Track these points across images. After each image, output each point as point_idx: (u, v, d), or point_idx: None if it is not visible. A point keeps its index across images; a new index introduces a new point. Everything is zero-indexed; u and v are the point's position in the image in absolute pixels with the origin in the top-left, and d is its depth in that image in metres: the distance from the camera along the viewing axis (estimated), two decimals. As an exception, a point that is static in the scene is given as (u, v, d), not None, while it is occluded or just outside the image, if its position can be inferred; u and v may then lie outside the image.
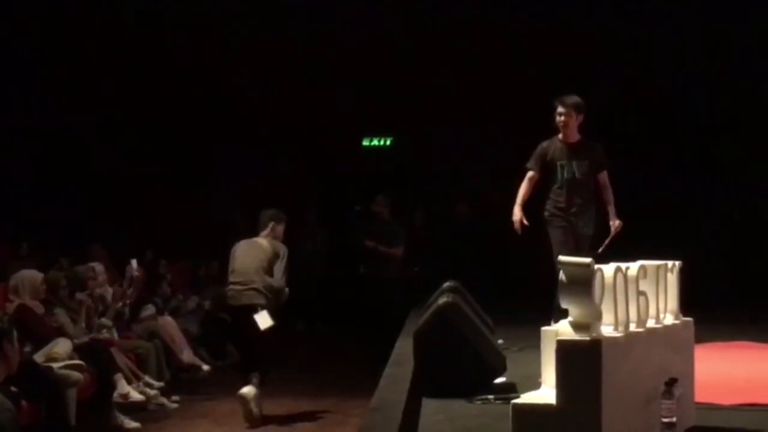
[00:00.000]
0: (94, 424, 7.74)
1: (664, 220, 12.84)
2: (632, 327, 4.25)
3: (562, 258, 4.10)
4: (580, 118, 7.63)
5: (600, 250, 7.40)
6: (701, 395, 4.96)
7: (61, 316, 8.25)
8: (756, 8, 13.25)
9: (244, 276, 8.46)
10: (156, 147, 14.96)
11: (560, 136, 7.69)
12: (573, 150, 7.63)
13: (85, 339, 8.36)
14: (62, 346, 7.76)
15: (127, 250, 10.96)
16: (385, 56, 14.65)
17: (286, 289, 8.66)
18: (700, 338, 6.88)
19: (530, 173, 7.75)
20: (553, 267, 4.25)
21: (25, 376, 6.94)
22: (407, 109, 14.74)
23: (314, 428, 8.31)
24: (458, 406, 5.43)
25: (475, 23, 14.42)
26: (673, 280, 4.72)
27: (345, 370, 10.63)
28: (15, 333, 7.20)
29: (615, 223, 7.70)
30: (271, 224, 8.84)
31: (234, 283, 8.50)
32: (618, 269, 4.19)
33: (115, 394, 8.12)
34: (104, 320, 8.94)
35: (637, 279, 4.35)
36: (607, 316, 4.11)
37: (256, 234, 8.85)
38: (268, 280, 8.46)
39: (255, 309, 8.34)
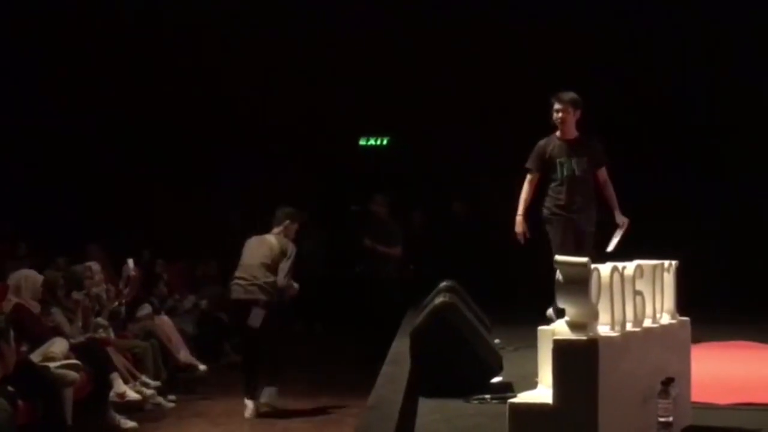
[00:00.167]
0: (91, 424, 7.74)
1: (664, 220, 12.81)
2: (629, 327, 4.23)
3: (558, 258, 4.09)
4: (578, 114, 7.60)
5: (611, 248, 7.38)
6: (698, 395, 4.95)
7: (58, 315, 8.26)
8: (756, 8, 13.22)
9: (248, 272, 8.64)
10: (155, 147, 14.94)
11: (558, 133, 7.67)
12: (571, 147, 7.61)
13: (82, 338, 8.36)
14: (59, 345, 7.75)
15: (124, 249, 10.95)
16: (382, 56, 14.64)
17: (296, 285, 8.78)
18: (700, 338, 6.88)
19: (530, 175, 7.71)
20: (552, 267, 4.24)
21: (21, 375, 6.93)
22: (404, 109, 14.73)
23: (312, 427, 8.32)
24: (455, 405, 5.42)
25: (474, 23, 14.40)
26: (669, 279, 4.71)
27: (342, 369, 10.63)
28: (12, 332, 7.20)
29: (623, 221, 7.66)
30: (286, 222, 8.93)
31: (238, 278, 8.70)
32: (615, 269, 4.18)
33: (112, 394, 8.12)
34: (100, 320, 8.94)
35: (633, 279, 4.34)
36: (604, 316, 4.09)
37: (268, 230, 8.93)
38: (271, 277, 8.55)
39: (255, 304, 8.52)
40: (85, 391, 7.74)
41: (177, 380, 9.74)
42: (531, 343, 4.53)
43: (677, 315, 4.77)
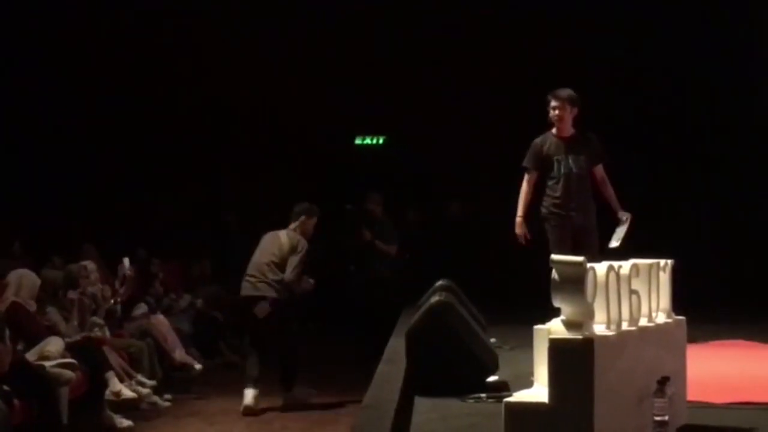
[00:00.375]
0: (87, 423, 7.71)
1: (664, 220, 12.80)
2: (624, 326, 4.24)
3: (554, 257, 4.09)
4: (575, 111, 7.57)
5: (616, 245, 7.35)
6: (693, 394, 4.94)
7: (54, 314, 8.24)
8: (756, 8, 13.21)
9: (255, 269, 8.75)
10: (150, 146, 14.91)
11: (554, 131, 7.62)
12: (568, 144, 7.57)
13: (78, 337, 8.33)
14: (54, 344, 7.72)
15: (119, 248, 10.93)
16: (378, 55, 14.62)
17: (311, 281, 8.87)
18: (698, 337, 6.88)
19: (528, 175, 7.65)
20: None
21: (16, 374, 6.90)
22: (400, 108, 14.72)
23: (307, 426, 8.29)
24: (451, 404, 5.42)
25: (472, 22, 14.39)
26: (665, 278, 4.71)
27: (338, 368, 10.61)
28: (7, 331, 7.18)
29: (625, 216, 7.62)
30: (302, 218, 9.00)
31: (248, 275, 8.80)
32: (610, 268, 4.18)
33: (108, 393, 8.09)
34: (96, 319, 8.92)
35: (629, 278, 4.34)
36: (600, 315, 4.10)
37: (285, 226, 8.99)
38: (279, 275, 8.62)
39: (263, 299, 8.60)
40: (80, 390, 7.71)
41: (173, 379, 9.72)
42: (527, 342, 4.53)
43: (673, 314, 4.76)
